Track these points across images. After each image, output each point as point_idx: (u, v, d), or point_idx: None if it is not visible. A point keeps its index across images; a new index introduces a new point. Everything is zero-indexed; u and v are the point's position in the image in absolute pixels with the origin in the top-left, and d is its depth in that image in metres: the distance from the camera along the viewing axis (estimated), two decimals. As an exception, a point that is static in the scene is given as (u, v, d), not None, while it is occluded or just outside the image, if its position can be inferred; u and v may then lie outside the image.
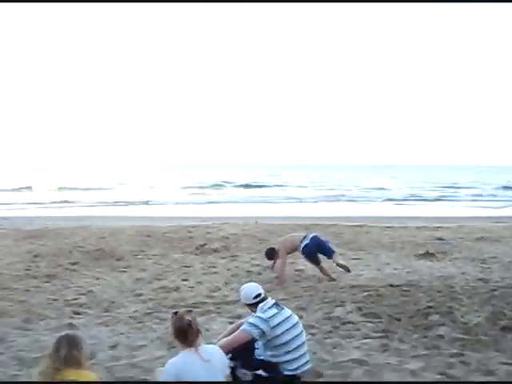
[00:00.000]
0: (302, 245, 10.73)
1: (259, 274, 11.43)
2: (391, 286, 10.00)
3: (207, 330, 7.24)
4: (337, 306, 8.67)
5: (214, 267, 12.10)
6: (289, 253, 11.00)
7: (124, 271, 11.64)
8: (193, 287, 10.23)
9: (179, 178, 77.60)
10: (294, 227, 17.72)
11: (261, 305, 5.63)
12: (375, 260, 12.83)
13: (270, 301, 5.72)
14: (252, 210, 30.94)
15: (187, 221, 21.48)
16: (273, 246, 11.63)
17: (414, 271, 11.38)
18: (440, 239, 15.98)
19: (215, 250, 14.16)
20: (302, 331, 5.73)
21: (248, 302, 5.78)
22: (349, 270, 10.76)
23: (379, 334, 7.27)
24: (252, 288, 5.82)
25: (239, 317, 7.70)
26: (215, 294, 9.74)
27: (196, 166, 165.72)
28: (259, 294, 5.71)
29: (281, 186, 63.45)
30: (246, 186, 62.01)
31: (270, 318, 5.50)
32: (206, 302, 9.08)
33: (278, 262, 10.97)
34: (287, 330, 5.54)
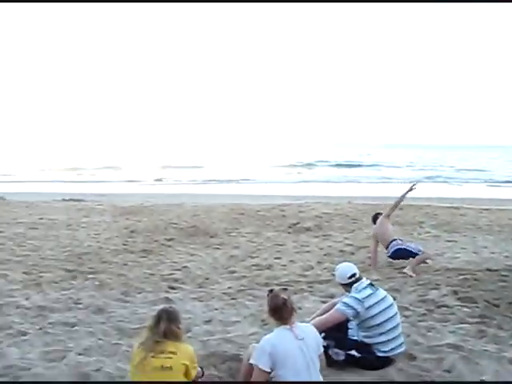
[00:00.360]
0: (386, 252, 10.32)
1: (352, 253, 11.35)
2: (489, 270, 9.67)
3: (300, 308, 7.22)
4: (431, 289, 8.48)
5: (307, 246, 12.11)
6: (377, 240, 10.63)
7: (218, 248, 11.84)
8: (285, 265, 10.28)
9: (271, 157, 77.82)
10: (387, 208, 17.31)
11: (355, 285, 5.60)
12: (471, 243, 12.42)
13: (365, 281, 5.68)
14: (345, 189, 30.69)
15: (280, 199, 21.60)
16: (380, 211, 11.30)
17: (513, 256, 10.96)
18: (542, 223, 15.26)
19: (308, 229, 14.17)
20: (396, 313, 5.67)
21: (343, 282, 5.76)
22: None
23: (476, 320, 7.04)
24: (347, 268, 5.80)
25: (332, 296, 7.70)
26: (308, 272, 9.76)
27: (288, 145, 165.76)
28: (354, 274, 5.68)
29: (374, 165, 62.29)
30: (339, 165, 61.46)
31: (364, 298, 5.47)
32: (298, 281, 9.11)
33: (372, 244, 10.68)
34: (382, 311, 5.50)
